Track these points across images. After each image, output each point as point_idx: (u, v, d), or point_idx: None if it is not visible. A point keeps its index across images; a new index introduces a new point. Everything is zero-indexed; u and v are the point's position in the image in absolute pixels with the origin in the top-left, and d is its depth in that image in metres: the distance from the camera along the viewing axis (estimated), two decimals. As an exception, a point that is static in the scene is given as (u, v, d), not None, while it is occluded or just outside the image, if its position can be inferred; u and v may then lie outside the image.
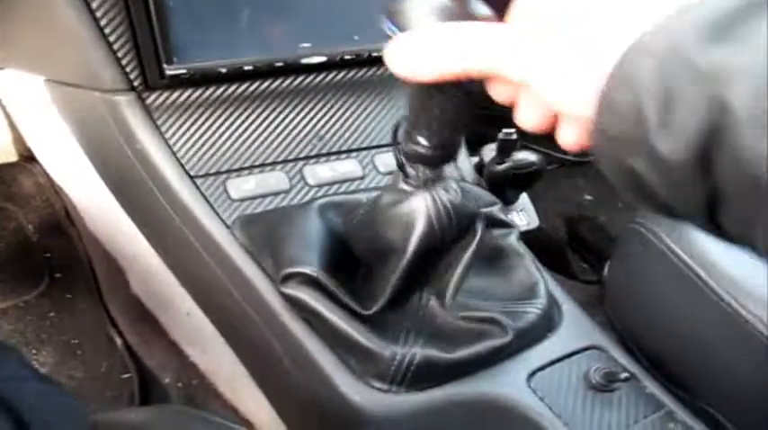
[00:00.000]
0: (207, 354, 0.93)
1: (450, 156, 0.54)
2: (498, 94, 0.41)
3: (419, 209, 0.56)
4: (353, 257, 0.65)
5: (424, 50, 0.40)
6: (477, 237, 0.60)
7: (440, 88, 0.46)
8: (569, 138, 0.38)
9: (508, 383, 0.64)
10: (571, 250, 1.34)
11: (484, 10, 0.43)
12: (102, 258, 1.14)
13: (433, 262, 0.60)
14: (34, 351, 1.13)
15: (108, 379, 1.07)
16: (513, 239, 0.72)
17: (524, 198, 0.89)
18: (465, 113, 0.49)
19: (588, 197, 1.51)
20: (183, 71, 0.67)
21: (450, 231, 0.58)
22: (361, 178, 0.75)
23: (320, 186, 0.73)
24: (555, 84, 0.35)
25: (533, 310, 0.66)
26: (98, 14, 0.63)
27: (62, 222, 1.34)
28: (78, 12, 0.63)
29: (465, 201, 0.58)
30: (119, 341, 1.11)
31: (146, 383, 1.05)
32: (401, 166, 0.56)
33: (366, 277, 0.64)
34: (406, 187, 0.57)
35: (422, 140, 0.51)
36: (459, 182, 0.60)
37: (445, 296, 0.61)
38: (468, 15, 0.42)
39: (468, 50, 0.38)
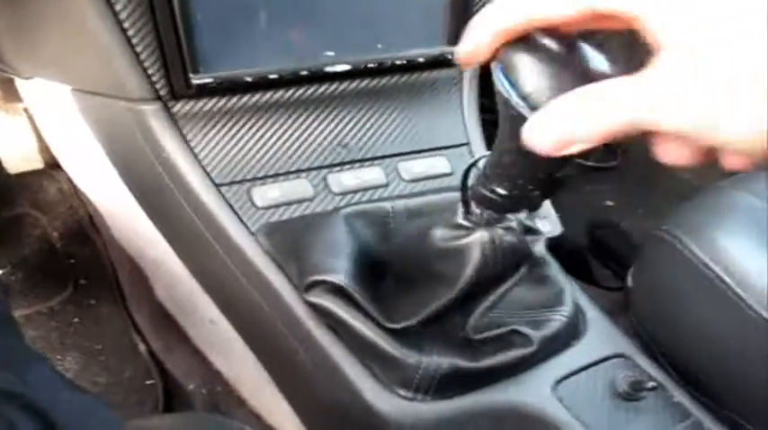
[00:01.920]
0: (231, 362, 0.94)
1: (523, 207, 0.53)
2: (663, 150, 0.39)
3: (476, 247, 0.56)
4: (379, 267, 0.65)
5: (568, 125, 0.38)
6: (519, 275, 0.61)
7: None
8: (733, 164, 0.37)
9: (534, 392, 0.64)
10: (593, 256, 1.33)
11: (603, 64, 0.41)
12: (127, 265, 1.15)
13: (474, 293, 0.61)
14: (59, 357, 1.14)
15: (132, 385, 1.08)
16: (540, 247, 0.71)
17: (547, 204, 0.88)
18: (556, 171, 0.48)
19: (609, 203, 1.50)
20: (209, 80, 0.67)
21: (502, 269, 0.59)
22: (385, 185, 0.75)
23: (344, 194, 0.73)
24: (724, 129, 0.33)
25: (558, 318, 0.66)
26: (125, 25, 0.63)
27: (86, 229, 1.36)
28: (105, 22, 0.63)
29: (522, 240, 0.58)
30: (142, 347, 1.12)
31: (170, 390, 1.05)
32: (465, 203, 0.56)
33: (395, 290, 0.64)
34: (465, 223, 0.57)
35: (499, 190, 0.50)
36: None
37: (470, 317, 0.61)
38: (585, 70, 0.40)
39: (614, 114, 0.36)
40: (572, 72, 0.39)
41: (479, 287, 0.59)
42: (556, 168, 0.48)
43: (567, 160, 0.44)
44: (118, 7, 0.62)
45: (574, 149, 0.38)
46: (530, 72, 0.40)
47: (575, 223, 1.39)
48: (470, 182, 0.54)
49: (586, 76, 0.39)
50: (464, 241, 0.57)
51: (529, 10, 0.39)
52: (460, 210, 0.57)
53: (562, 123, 0.38)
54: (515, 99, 0.41)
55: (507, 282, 0.61)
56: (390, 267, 0.66)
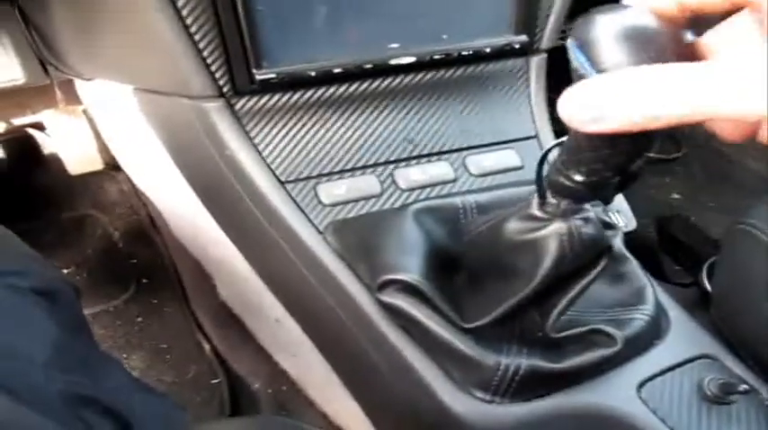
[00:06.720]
0: (297, 361, 0.93)
1: (602, 195, 0.49)
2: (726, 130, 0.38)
3: (553, 239, 0.53)
4: (451, 265, 0.62)
5: (607, 103, 0.35)
6: (599, 268, 0.57)
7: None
8: None
9: (617, 394, 0.60)
10: (663, 252, 1.28)
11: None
12: (188, 264, 1.15)
13: (552, 289, 0.57)
14: (125, 355, 1.15)
15: (197, 384, 1.09)
16: (617, 242, 0.68)
17: (620, 199, 0.85)
18: (637, 156, 0.44)
19: (676, 196, 1.44)
20: (273, 75, 0.66)
21: (581, 263, 0.55)
22: (453, 181, 0.72)
23: (411, 190, 0.71)
24: None
25: (641, 317, 0.63)
26: (188, 22, 0.63)
27: (147, 229, 1.37)
28: (170, 21, 0.63)
29: (600, 232, 0.55)
30: (206, 346, 1.12)
31: (235, 389, 1.05)
32: (541, 194, 0.53)
33: (469, 288, 0.61)
34: (541, 214, 0.53)
35: (577, 177, 0.47)
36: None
37: (550, 316, 0.58)
38: (681, 50, 0.37)
39: (690, 96, 0.32)
40: (656, 50, 0.36)
41: (557, 282, 0.55)
42: (633, 152, 0.44)
43: (644, 144, 0.42)
44: (180, 4, 0.61)
45: (606, 127, 0.35)
46: (608, 47, 0.36)
47: (642, 218, 1.35)
48: (546, 171, 0.52)
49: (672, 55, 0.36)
50: (540, 233, 0.53)
51: None
52: (536, 201, 0.54)
53: (601, 99, 0.35)
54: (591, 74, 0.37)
55: (586, 277, 0.57)
56: (463, 264, 0.63)
